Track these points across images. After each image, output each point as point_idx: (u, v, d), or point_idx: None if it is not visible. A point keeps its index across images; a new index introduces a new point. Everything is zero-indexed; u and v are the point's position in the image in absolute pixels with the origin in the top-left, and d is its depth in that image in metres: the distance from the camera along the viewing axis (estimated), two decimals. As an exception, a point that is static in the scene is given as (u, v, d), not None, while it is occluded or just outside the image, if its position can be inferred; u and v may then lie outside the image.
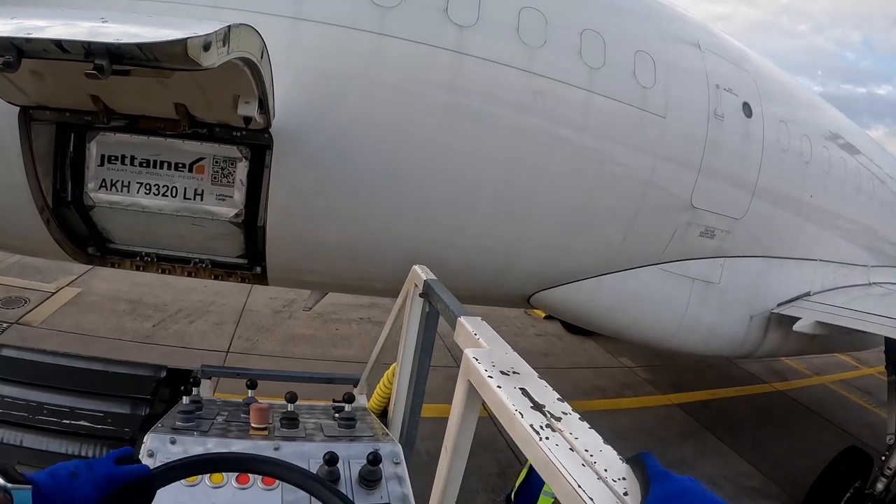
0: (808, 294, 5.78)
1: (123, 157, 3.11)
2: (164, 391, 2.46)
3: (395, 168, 3.38)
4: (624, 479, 0.71)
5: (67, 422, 2.25)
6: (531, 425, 0.82)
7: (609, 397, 7.62)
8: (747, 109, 4.59)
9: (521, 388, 0.92)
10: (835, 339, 5.72)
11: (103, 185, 3.13)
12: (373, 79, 3.19)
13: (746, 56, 5.09)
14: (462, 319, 1.26)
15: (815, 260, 5.96)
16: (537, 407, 0.87)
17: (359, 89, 3.19)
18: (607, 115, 3.64)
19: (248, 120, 2.64)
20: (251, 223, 3.22)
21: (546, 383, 0.97)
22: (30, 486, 0.84)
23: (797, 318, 5.22)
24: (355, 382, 2.55)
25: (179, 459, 1.10)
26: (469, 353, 1.06)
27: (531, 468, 2.44)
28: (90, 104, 2.79)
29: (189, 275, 3.52)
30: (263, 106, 2.60)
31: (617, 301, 4.42)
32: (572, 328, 9.23)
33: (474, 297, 4.26)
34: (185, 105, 2.78)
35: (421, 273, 1.73)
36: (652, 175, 3.88)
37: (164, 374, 2.49)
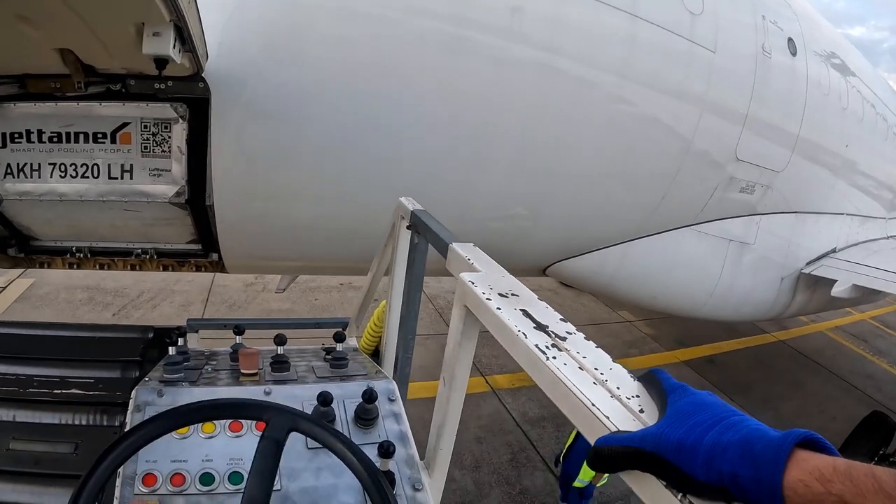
0: (833, 251, 5.38)
1: (29, 132, 2.37)
2: (152, 351, 2.38)
3: (383, 121, 2.62)
4: (637, 396, 0.68)
5: (59, 391, 2.19)
6: (536, 345, 0.77)
7: (615, 357, 7.25)
8: (792, 46, 3.97)
9: (521, 310, 0.88)
10: (859, 297, 5.35)
11: (9, 171, 2.41)
12: (347, 5, 2.40)
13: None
14: (454, 245, 1.21)
15: (843, 214, 5.52)
16: (540, 327, 0.83)
17: (329, 19, 2.40)
18: (652, 46, 2.90)
19: (161, 62, 1.83)
20: (198, 202, 2.48)
21: (547, 304, 0.92)
22: None
23: (826, 278, 4.86)
24: (345, 325, 2.49)
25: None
26: (465, 276, 1.01)
27: (578, 433, 2.28)
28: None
29: (133, 268, 2.80)
30: (185, 39, 1.82)
31: (646, 269, 3.85)
32: (567, 281, 8.84)
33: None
34: (74, 51, 2.00)
35: (407, 204, 1.66)
36: (699, 120, 3.21)
37: (151, 334, 2.38)
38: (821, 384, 7.77)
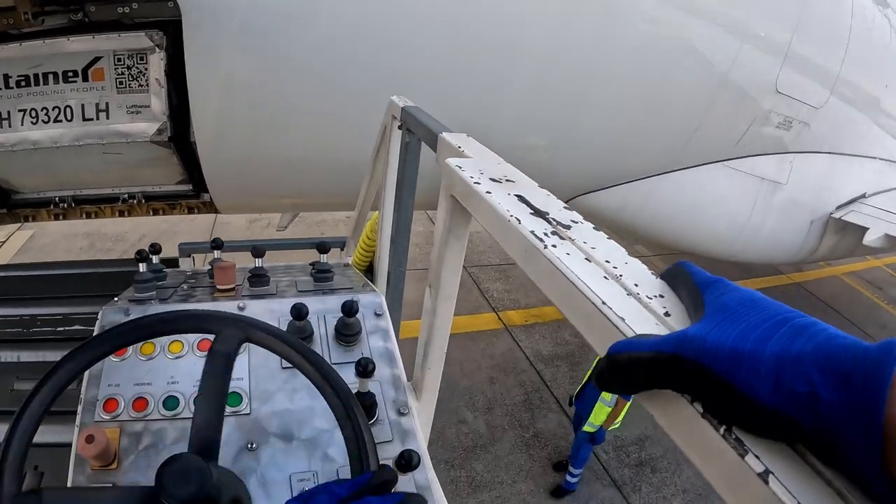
0: (863, 196, 5.09)
1: (-5, 78, 2.17)
2: None
3: (385, 38, 2.34)
4: (661, 296, 0.51)
5: (62, 329, 2.21)
6: (532, 231, 0.62)
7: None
8: None
9: (517, 195, 0.74)
10: (887, 246, 5.13)
11: None
12: None
13: None
14: (444, 135, 1.11)
15: (876, 158, 5.19)
16: (539, 213, 0.68)
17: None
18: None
19: None
20: (184, 139, 2.27)
21: (549, 192, 0.77)
22: None
23: (856, 224, 4.61)
24: (343, 245, 2.36)
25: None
26: (451, 161, 0.87)
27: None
28: None
29: (122, 214, 2.62)
30: None
31: (673, 205, 3.65)
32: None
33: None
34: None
35: (398, 102, 1.55)
36: (741, 46, 2.88)
37: None
38: (836, 331, 7.69)
